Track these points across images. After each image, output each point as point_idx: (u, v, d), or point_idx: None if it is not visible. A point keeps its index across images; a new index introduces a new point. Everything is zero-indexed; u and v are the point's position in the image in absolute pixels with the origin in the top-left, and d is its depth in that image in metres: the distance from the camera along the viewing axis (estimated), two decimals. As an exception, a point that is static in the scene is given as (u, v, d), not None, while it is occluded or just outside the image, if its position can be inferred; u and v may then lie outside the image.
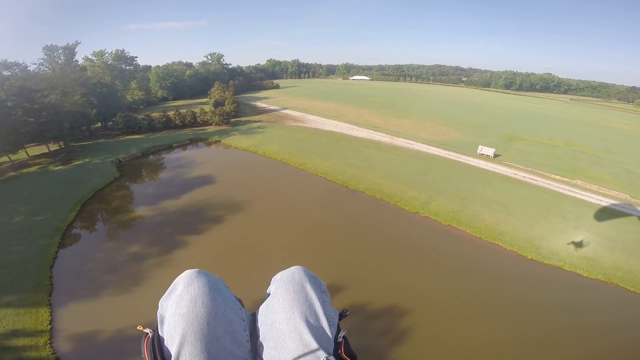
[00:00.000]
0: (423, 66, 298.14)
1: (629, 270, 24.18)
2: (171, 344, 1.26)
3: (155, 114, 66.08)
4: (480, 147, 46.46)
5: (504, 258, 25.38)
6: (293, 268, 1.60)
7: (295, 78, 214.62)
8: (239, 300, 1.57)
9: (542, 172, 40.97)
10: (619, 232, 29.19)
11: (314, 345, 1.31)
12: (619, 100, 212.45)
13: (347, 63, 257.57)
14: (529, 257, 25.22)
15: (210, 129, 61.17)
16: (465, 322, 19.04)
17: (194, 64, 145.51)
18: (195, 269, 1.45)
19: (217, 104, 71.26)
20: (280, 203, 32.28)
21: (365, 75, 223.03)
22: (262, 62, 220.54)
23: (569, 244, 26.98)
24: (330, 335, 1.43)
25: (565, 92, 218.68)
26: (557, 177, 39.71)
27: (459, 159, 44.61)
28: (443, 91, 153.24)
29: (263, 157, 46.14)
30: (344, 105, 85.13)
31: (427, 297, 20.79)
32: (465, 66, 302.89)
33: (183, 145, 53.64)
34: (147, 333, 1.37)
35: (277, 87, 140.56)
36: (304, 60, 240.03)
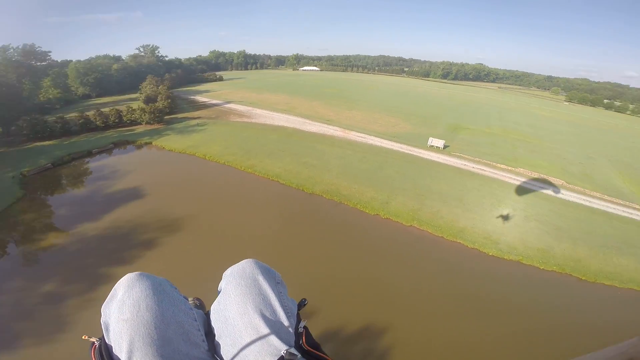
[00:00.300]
0: (369, 57, 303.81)
1: (578, 258, 24.80)
2: (120, 352, 1.19)
3: (72, 115, 55.32)
4: (430, 138, 46.29)
5: (467, 256, 24.50)
6: (244, 261, 1.53)
7: (241, 70, 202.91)
8: (198, 299, 1.52)
9: (489, 162, 41.93)
10: (563, 219, 30.32)
11: (272, 338, 1.28)
12: (537, 88, 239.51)
13: (297, 54, 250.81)
14: (490, 254, 24.71)
15: (139, 129, 52.83)
16: (438, 320, 18.26)
17: (123, 57, 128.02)
18: (137, 272, 1.34)
19: (149, 100, 62.19)
20: (226, 217, 27.77)
21: (315, 66, 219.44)
22: (205, 53, 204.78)
23: (523, 236, 27.19)
24: (290, 327, 1.39)
25: (494, 80, 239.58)
26: (502, 166, 40.89)
27: (411, 152, 43.85)
28: (388, 81, 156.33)
29: (204, 160, 40.46)
30: (295, 97, 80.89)
31: (398, 302, 19.30)
32: (407, 57, 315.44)
33: (106, 150, 45.24)
34: (94, 342, 1.30)
35: (220, 79, 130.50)
36: (251, 51, 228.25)
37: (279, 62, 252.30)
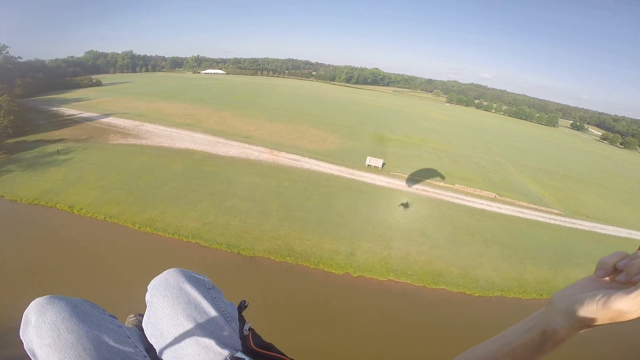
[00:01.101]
0: (278, 60, 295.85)
1: (545, 280, 24.12)
2: None
3: None
4: (368, 158, 41.59)
5: (458, 303, 20.96)
6: (166, 272, 1.40)
7: (128, 72, 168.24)
8: (140, 315, 1.41)
9: (430, 181, 39.54)
10: (513, 237, 29.32)
11: (215, 346, 1.21)
12: (421, 90, 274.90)
13: (198, 55, 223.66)
14: (477, 295, 21.55)
15: None
16: None
17: None
18: (46, 296, 1.18)
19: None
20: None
21: (220, 69, 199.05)
22: (80, 54, 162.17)
23: (493, 265, 24.59)
24: (233, 331, 1.34)
25: (388, 84, 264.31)
26: (441, 184, 39.03)
27: (352, 176, 38.19)
28: (300, 85, 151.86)
29: (69, 214, 26.11)
30: (200, 107, 66.77)
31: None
32: (313, 60, 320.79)
33: None
34: None
35: (98, 84, 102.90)
36: (141, 52, 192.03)
37: (176, 64, 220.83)
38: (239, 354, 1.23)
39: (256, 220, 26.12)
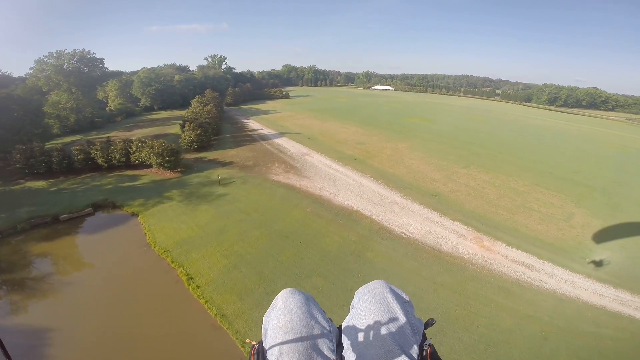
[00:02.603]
0: (449, 76, 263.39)
1: None
2: (272, 354, 1.32)
3: (77, 147, 38.49)
4: None
5: None
6: (374, 281, 1.57)
7: (311, 85, 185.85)
8: (329, 318, 1.61)
9: None
10: None
11: (397, 351, 1.29)
12: None
13: (367, 71, 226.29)
14: None
15: (147, 175, 34.62)
16: None
17: (190, 67, 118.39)
18: (291, 288, 1.52)
19: (187, 123, 43.26)
20: None
21: (389, 85, 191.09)
22: (279, 67, 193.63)
23: None
24: (415, 343, 1.38)
25: (613, 109, 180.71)
26: None
27: None
28: (484, 107, 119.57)
29: (182, 290, 17.70)
30: (371, 131, 55.22)
31: None
32: (494, 77, 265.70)
33: (79, 218, 26.92)
34: (254, 345, 1.46)
35: (286, 96, 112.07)
36: (321, 67, 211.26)
37: (349, 79, 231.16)
38: None
39: None
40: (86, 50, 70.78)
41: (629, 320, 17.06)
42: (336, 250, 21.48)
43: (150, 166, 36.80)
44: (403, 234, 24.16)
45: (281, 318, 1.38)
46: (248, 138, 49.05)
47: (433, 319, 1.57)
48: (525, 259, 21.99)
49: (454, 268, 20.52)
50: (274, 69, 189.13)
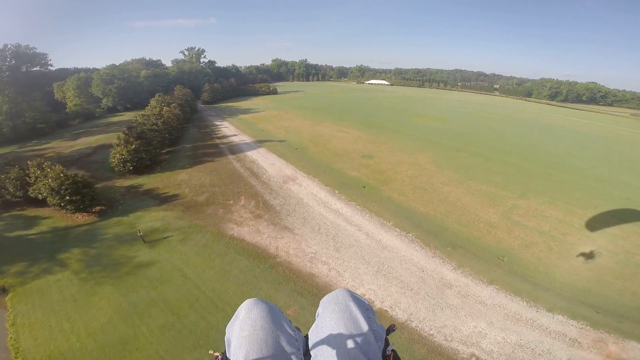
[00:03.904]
0: (443, 71, 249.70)
1: None
2: None
3: None
4: None
5: None
6: (337, 290, 1.55)
7: (302, 80, 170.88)
8: (297, 327, 1.59)
9: None
10: None
11: (361, 358, 1.28)
12: None
13: (361, 65, 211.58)
14: None
15: (53, 218, 21.60)
16: None
17: (163, 61, 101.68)
18: (255, 298, 1.46)
19: (138, 136, 28.93)
20: None
21: (384, 80, 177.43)
22: (268, 62, 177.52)
23: None
24: (378, 350, 1.38)
25: (612, 104, 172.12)
26: None
27: None
28: (487, 102, 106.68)
29: None
30: (377, 137, 41.97)
31: None
32: (488, 72, 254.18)
33: None
34: (217, 356, 1.40)
35: (274, 92, 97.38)
36: (313, 61, 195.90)
37: (342, 73, 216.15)
38: None
39: None
40: (23, 45, 55.25)
41: None
42: None
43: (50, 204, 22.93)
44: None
45: (244, 328, 1.31)
46: (213, 150, 35.22)
47: (394, 325, 1.54)
48: None
49: None
50: (263, 64, 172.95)
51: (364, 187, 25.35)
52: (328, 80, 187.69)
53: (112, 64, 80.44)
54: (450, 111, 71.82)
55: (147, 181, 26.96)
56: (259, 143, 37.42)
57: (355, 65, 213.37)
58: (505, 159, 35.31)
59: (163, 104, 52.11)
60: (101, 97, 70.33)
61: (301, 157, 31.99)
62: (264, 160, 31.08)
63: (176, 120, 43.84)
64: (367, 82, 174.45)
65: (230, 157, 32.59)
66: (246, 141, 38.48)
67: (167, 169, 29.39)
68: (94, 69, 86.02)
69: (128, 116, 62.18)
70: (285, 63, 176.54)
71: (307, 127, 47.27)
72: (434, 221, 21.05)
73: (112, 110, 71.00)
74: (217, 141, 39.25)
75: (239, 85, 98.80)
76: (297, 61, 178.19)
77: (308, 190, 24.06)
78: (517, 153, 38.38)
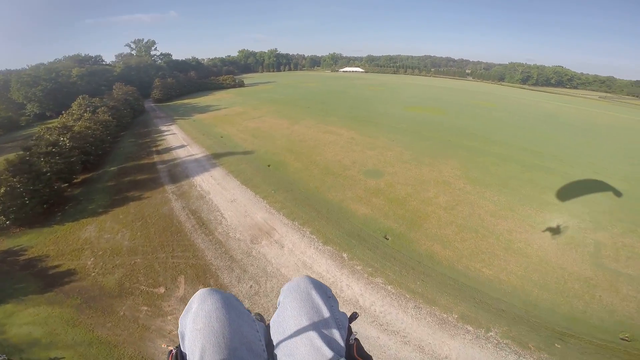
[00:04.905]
0: (413, 57, 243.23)
1: None
2: (193, 358, 1.19)
3: None
4: None
5: None
6: (298, 277, 1.50)
7: (273, 71, 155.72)
8: (259, 314, 1.48)
9: None
10: None
11: (325, 349, 1.24)
12: (628, 95, 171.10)
13: (334, 53, 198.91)
14: None
15: None
16: None
17: (103, 58, 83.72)
18: (208, 288, 1.35)
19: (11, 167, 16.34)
20: None
21: (358, 67, 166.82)
22: (234, 53, 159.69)
23: None
24: (341, 338, 1.34)
25: (577, 87, 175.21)
26: None
27: None
28: (467, 88, 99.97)
29: None
30: (376, 137, 31.74)
31: None
32: (456, 57, 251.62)
33: None
34: (172, 350, 1.29)
35: (240, 84, 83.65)
36: (284, 50, 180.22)
37: (314, 62, 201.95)
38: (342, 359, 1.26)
39: None
40: None
41: None
42: None
43: None
44: None
45: (198, 321, 1.20)
46: (146, 177, 23.11)
47: (357, 313, 1.50)
48: None
49: None
50: (228, 56, 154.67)
51: (386, 237, 15.10)
52: (301, 70, 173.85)
53: (39, 64, 64.20)
54: (442, 100, 63.11)
55: (36, 241, 14.93)
56: (215, 159, 25.73)
57: (328, 54, 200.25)
58: (548, 165, 26.50)
59: (88, 108, 38.24)
60: (25, 102, 54.47)
61: (278, 183, 20.98)
62: (221, 193, 19.67)
63: (103, 131, 30.86)
64: (342, 69, 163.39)
65: (169, 188, 20.78)
66: (196, 156, 26.57)
67: (71, 216, 17.28)
68: (14, 70, 67.47)
69: (53, 124, 47.05)
70: (254, 54, 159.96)
71: (282, 127, 35.97)
72: (513, 294, 11.42)
73: (42, 117, 55.31)
74: (156, 158, 26.96)
75: (200, 78, 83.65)
76: (267, 51, 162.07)
77: (296, 258, 13.35)
78: (551, 155, 29.82)
